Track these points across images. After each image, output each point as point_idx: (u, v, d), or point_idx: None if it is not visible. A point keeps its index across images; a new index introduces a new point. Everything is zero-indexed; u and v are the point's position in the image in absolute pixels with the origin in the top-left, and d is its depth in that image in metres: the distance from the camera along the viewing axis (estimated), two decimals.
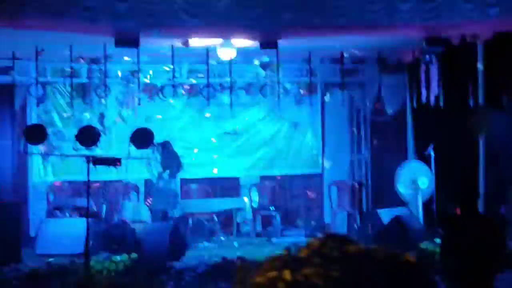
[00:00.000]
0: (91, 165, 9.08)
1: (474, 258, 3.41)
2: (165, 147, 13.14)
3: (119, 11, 9.91)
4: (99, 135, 10.54)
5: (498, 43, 11.87)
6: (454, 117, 12.69)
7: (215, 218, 13.73)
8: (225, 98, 14.34)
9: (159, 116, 14.64)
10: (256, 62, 14.25)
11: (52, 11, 9.89)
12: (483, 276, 3.36)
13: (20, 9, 9.82)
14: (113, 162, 9.36)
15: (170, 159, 13.02)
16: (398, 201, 13.50)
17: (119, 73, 13.99)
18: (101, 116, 14.30)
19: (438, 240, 11.22)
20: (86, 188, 9.14)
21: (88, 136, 10.37)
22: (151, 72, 14.11)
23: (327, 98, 15.06)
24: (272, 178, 15.17)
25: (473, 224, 3.69)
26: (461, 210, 11.38)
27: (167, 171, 12.94)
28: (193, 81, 14.34)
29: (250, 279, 1.77)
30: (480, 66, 12.50)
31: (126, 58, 13.26)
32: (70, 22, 10.41)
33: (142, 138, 10.67)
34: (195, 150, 14.99)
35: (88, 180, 8.98)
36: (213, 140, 15.09)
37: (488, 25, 11.38)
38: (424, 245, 11.32)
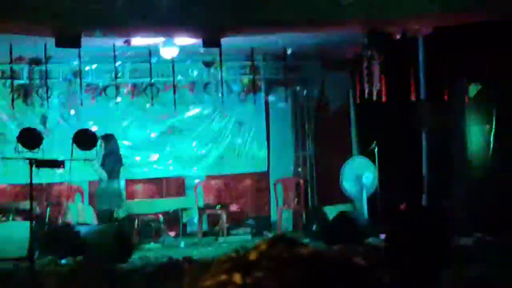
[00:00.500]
0: (34, 167, 8.94)
1: (419, 253, 3.43)
2: (108, 140, 12.87)
3: (61, 10, 9.78)
4: (41, 137, 10.40)
5: (438, 37, 11.98)
6: (396, 112, 12.78)
7: (161, 219, 13.67)
8: (169, 96, 14.27)
9: (102, 117, 14.49)
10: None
11: None
12: (429, 271, 3.38)
13: None
14: (56, 164, 9.26)
15: (112, 155, 12.76)
16: (343, 197, 13.58)
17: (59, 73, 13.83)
18: (43, 118, 14.12)
19: (383, 236, 11.32)
20: (29, 191, 9.01)
21: (30, 138, 10.23)
22: (93, 72, 13.97)
23: (271, 97, 15.04)
24: (218, 177, 15.13)
25: (418, 218, 3.71)
26: (406, 205, 11.46)
27: (106, 170, 12.65)
28: (136, 81, 14.21)
29: (199, 282, 1.73)
30: (421, 61, 12.62)
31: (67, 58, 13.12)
32: (9, 21, 10.27)
33: (85, 139, 10.56)
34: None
35: (31, 183, 8.85)
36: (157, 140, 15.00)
37: (429, 20, 11.49)
38: (370, 240, 11.39)
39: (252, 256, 1.75)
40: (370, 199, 13.01)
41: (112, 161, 12.71)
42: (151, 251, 12.47)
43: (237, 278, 1.70)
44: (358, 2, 10.69)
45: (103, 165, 12.54)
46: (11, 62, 12.85)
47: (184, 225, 14.20)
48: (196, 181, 15.10)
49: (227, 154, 15.35)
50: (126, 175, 14.78)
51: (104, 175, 12.58)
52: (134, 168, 14.86)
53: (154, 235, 13.61)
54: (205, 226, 14.50)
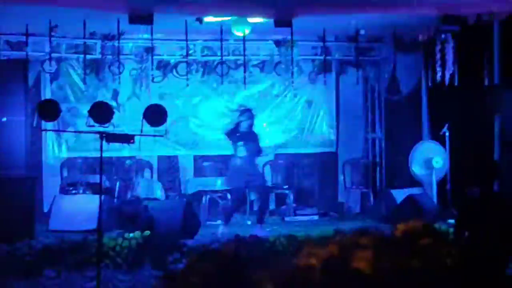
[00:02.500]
0: (104, 141, 9.02)
1: (490, 239, 3.37)
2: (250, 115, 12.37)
3: None
4: (112, 111, 10.50)
5: None
6: (469, 96, 12.61)
7: (228, 196, 13.71)
8: (239, 75, 14.31)
9: (172, 94, 14.60)
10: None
11: None
12: (502, 257, 3.33)
13: None
14: (127, 138, 9.33)
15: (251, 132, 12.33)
16: (412, 181, 13.46)
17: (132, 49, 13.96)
18: (115, 93, 14.28)
19: (451, 221, 11.21)
20: (99, 164, 9.11)
21: (101, 112, 10.32)
22: (164, 48, 14.06)
23: (342, 78, 14.98)
24: (286, 156, 15.10)
25: (491, 204, 3.66)
26: (479, 190, 11.31)
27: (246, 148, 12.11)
28: (207, 58, 14.26)
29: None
30: (495, 45, 12.41)
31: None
32: None
33: (155, 115, 10.61)
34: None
35: (101, 157, 8.94)
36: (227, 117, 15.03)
37: (504, 3, 11.28)
38: (438, 225, 11.27)
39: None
40: (440, 184, 12.87)
41: (251, 139, 12.31)
42: (217, 229, 12.53)
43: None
44: None
45: (242, 141, 12.15)
46: (84, 37, 12.99)
47: (251, 204, 14.22)
48: (265, 160, 15.09)
49: (296, 134, 15.32)
50: (195, 152, 14.90)
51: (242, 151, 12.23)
52: (203, 145, 14.94)
53: (221, 213, 13.66)
54: (272, 205, 14.51)
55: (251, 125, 12.27)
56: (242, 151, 12.12)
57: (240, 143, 12.12)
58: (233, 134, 12.17)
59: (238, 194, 12.49)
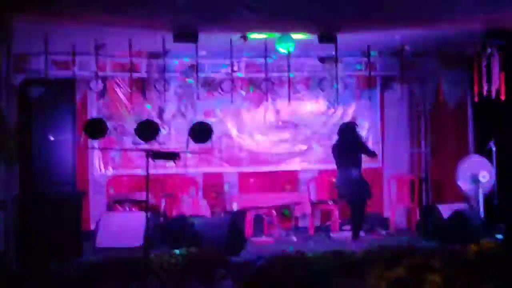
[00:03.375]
0: (150, 159, 9.10)
1: None
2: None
3: (178, 5, 9.92)
4: (158, 129, 10.61)
5: None
6: None
7: (274, 213, 13.73)
8: (283, 91, 14.34)
9: (217, 110, 14.67)
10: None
11: (112, 6, 9.96)
12: None
13: (81, 5, 9.91)
14: (173, 156, 9.39)
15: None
16: (459, 196, 13.36)
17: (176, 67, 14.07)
18: (160, 111, 14.39)
19: (499, 236, 11.10)
20: (145, 182, 9.17)
21: (147, 130, 10.45)
22: (209, 66, 14.14)
23: (387, 94, 14.98)
24: (331, 171, 15.07)
25: None
26: None
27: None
28: (251, 75, 14.31)
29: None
30: None
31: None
32: (129, 17, 10.49)
33: (200, 132, 10.71)
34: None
35: (147, 174, 9.01)
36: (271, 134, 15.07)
37: None
38: (485, 240, 11.16)
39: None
40: (487, 199, 12.75)
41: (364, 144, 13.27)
42: (263, 245, 12.55)
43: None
44: None
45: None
46: (130, 55, 13.11)
47: (296, 220, 14.22)
48: (309, 175, 15.10)
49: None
50: (240, 168, 14.95)
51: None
52: (248, 161, 14.98)
53: (266, 229, 13.68)
54: (317, 221, 14.49)
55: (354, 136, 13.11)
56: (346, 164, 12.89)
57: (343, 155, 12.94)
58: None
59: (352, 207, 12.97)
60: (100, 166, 14.32)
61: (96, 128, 10.82)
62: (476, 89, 13.04)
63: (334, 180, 13.53)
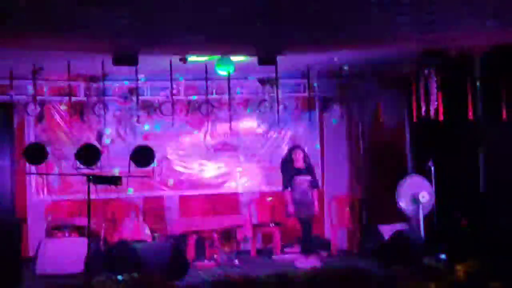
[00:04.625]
0: (91, 183, 8.99)
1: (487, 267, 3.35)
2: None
3: (118, 28, 9.84)
4: (99, 153, 10.49)
5: (496, 55, 11.85)
6: (453, 130, 12.65)
7: (215, 236, 13.66)
8: (223, 114, 14.34)
9: (157, 133, 14.60)
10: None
11: (50, 30, 9.84)
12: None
13: (18, 28, 9.76)
14: (114, 180, 9.29)
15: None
16: (399, 216, 13.44)
17: (115, 90, 13.97)
18: (99, 134, 14.26)
19: (442, 256, 11.20)
20: (86, 207, 9.05)
21: (88, 154, 10.31)
22: (148, 89, 14.07)
23: (326, 115, 15.08)
24: (271, 193, 15.07)
25: (484, 235, 3.65)
26: (468, 221, 11.35)
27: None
28: (192, 97, 14.26)
29: None
30: (478, 78, 12.48)
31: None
32: (68, 40, 10.37)
33: (142, 156, 10.61)
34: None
35: (89, 199, 8.89)
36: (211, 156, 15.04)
37: (486, 37, 11.36)
38: (426, 260, 11.25)
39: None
40: (427, 219, 12.85)
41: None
42: (205, 269, 12.47)
43: None
44: (412, 18, 10.59)
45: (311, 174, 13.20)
46: (69, 79, 12.97)
47: (238, 243, 14.17)
48: (250, 197, 15.09)
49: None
50: (181, 192, 14.87)
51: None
52: (189, 184, 14.93)
53: (208, 253, 13.60)
54: (259, 244, 14.47)
55: (306, 159, 13.27)
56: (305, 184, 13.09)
57: (302, 176, 13.10)
58: (288, 168, 13.19)
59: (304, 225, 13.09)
60: (39, 192, 14.12)
61: (36, 154, 10.65)
62: (414, 109, 13.17)
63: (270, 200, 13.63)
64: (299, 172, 13.12)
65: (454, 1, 9.53)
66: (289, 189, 13.06)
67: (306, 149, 13.98)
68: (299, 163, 13.15)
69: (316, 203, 13.25)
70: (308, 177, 13.15)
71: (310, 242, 13.08)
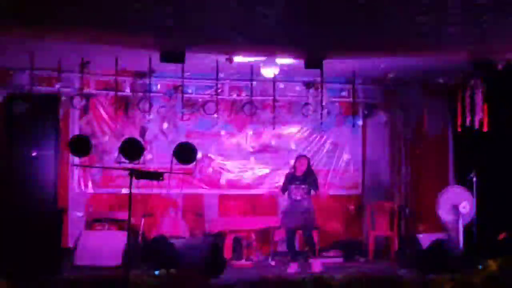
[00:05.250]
0: (133, 178, 9.05)
1: None
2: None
3: (167, 26, 9.92)
4: (142, 148, 10.58)
5: None
6: (497, 142, 12.56)
7: (253, 236, 13.70)
8: (266, 115, 14.38)
9: (200, 132, 14.67)
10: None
11: (99, 24, 9.94)
12: None
13: (68, 22, 9.88)
14: (157, 176, 9.35)
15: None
16: (438, 226, 13.38)
17: (160, 87, 14.07)
18: (143, 130, 14.36)
19: (480, 267, 11.10)
20: (127, 201, 9.11)
21: (131, 149, 10.40)
22: (193, 87, 14.16)
23: (369, 121, 15.04)
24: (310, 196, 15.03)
25: None
26: (507, 235, 11.26)
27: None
28: (236, 97, 14.33)
29: None
30: None
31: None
32: (117, 35, 10.47)
33: (185, 153, 10.67)
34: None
35: (130, 194, 8.95)
36: (252, 157, 15.07)
37: None
38: (464, 271, 11.16)
39: (478, 279, 1.70)
40: (466, 230, 12.77)
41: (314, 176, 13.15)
42: (241, 269, 12.51)
43: None
44: (462, 29, 10.55)
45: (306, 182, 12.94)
46: (116, 74, 13.09)
47: (275, 244, 14.19)
48: None
49: (322, 175, 15.33)
50: (220, 190, 14.92)
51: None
52: (228, 184, 14.98)
53: (245, 252, 13.64)
54: (296, 246, 14.46)
55: (307, 169, 13.05)
56: (298, 193, 12.87)
57: (296, 184, 12.91)
58: (288, 176, 13.09)
59: (289, 234, 12.90)
60: (80, 184, 14.27)
61: (81, 146, 10.77)
62: (458, 119, 13.11)
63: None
64: (295, 180, 12.93)
65: (504, 13, 9.49)
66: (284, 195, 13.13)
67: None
68: (300, 172, 12.98)
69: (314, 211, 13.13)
70: (303, 186, 12.89)
71: (294, 251, 13.03)
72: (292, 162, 13.54)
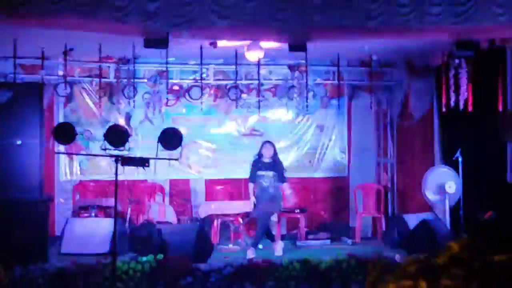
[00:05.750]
0: (119, 165, 9.03)
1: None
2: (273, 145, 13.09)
3: (150, 11, 9.89)
4: (128, 135, 10.49)
5: None
6: (482, 121, 12.59)
7: (240, 220, 13.71)
8: (251, 99, 14.39)
9: (185, 117, 14.66)
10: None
11: (82, 11, 9.89)
12: None
13: (51, 9, 9.82)
14: (142, 162, 9.33)
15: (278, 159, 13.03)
16: (424, 206, 13.44)
17: (144, 73, 14.05)
18: (128, 116, 14.34)
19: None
20: (113, 188, 9.09)
21: (117, 136, 10.33)
22: (178, 72, 14.16)
23: (354, 103, 15.07)
24: (297, 180, 15.08)
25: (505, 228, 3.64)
26: (492, 214, 11.28)
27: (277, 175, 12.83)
28: (221, 82, 14.32)
29: (381, 285, 1.72)
30: (509, 70, 12.40)
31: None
32: (100, 22, 10.41)
33: (170, 139, 10.60)
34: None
35: (116, 180, 8.93)
36: (239, 141, 15.07)
37: None
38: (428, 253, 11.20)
39: (441, 259, 1.71)
40: (453, 209, 12.83)
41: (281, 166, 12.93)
42: (229, 253, 12.53)
43: (422, 286, 1.67)
44: (445, 10, 10.55)
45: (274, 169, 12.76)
46: (99, 61, 13.05)
47: (257, 230, 14.19)
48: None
49: (307, 158, 15.36)
50: (207, 176, 14.93)
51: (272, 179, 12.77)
52: (215, 169, 14.99)
53: (232, 237, 13.66)
54: (283, 230, 14.50)
55: (273, 155, 12.82)
56: (266, 180, 12.71)
57: (263, 171, 12.72)
58: (255, 163, 12.86)
59: (265, 220, 12.72)
60: (66, 172, 14.25)
61: (65, 133, 10.67)
62: (443, 99, 13.13)
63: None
64: (263, 167, 12.77)
65: None
66: (254, 183, 12.91)
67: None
68: (267, 159, 12.81)
69: (283, 198, 13.08)
70: (271, 173, 12.73)
71: (270, 235, 12.92)
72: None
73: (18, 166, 10.93)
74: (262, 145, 12.99)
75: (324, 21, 10.62)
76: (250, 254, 12.10)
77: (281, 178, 12.81)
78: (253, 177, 12.88)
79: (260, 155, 12.89)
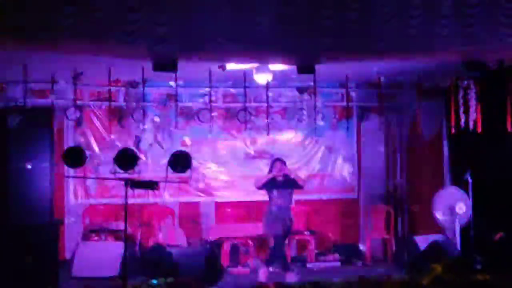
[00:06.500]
0: (129, 188, 9.05)
1: None
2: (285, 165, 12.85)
3: (158, 35, 9.93)
4: (137, 158, 10.58)
5: None
6: (492, 142, 12.58)
7: (250, 243, 13.70)
8: (260, 121, 14.40)
9: (194, 140, 14.68)
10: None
11: (91, 36, 9.94)
12: None
13: (60, 34, 9.87)
14: (152, 185, 9.35)
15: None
16: (435, 227, 13.39)
17: (154, 96, 14.08)
18: (137, 139, 14.37)
19: (477, 267, 11.11)
20: (123, 211, 9.11)
21: (126, 159, 10.40)
22: (186, 95, 14.18)
23: (363, 124, 15.08)
24: (307, 202, 15.05)
25: None
26: (502, 235, 11.26)
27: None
28: (229, 104, 14.35)
29: None
30: None
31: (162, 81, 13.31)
32: (109, 46, 10.46)
33: (180, 161, 10.66)
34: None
35: (126, 203, 8.95)
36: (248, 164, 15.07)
37: None
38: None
39: (426, 280, 1.72)
40: (463, 230, 12.78)
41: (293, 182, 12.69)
42: (239, 275, 12.51)
43: None
44: (454, 31, 10.58)
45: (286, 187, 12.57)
46: (109, 84, 13.10)
47: (272, 250, 14.16)
48: None
49: (317, 180, 15.35)
50: (216, 198, 14.92)
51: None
52: (224, 191, 14.98)
53: (242, 259, 13.64)
54: (293, 252, 14.48)
55: (285, 172, 12.60)
56: (279, 201, 12.51)
57: (275, 190, 12.51)
58: (272, 181, 12.56)
59: (278, 240, 12.53)
60: (76, 195, 14.27)
61: (75, 157, 10.77)
62: (452, 120, 13.12)
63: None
64: (276, 186, 12.53)
65: (492, 13, 9.51)
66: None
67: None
68: (279, 177, 12.57)
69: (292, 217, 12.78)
70: (285, 191, 12.52)
71: (285, 259, 12.65)
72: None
73: (28, 190, 10.94)
74: (273, 163, 12.80)
75: (334, 43, 10.65)
76: (262, 275, 12.03)
77: (297, 186, 12.61)
78: (260, 185, 12.65)
79: (271, 172, 12.66)
